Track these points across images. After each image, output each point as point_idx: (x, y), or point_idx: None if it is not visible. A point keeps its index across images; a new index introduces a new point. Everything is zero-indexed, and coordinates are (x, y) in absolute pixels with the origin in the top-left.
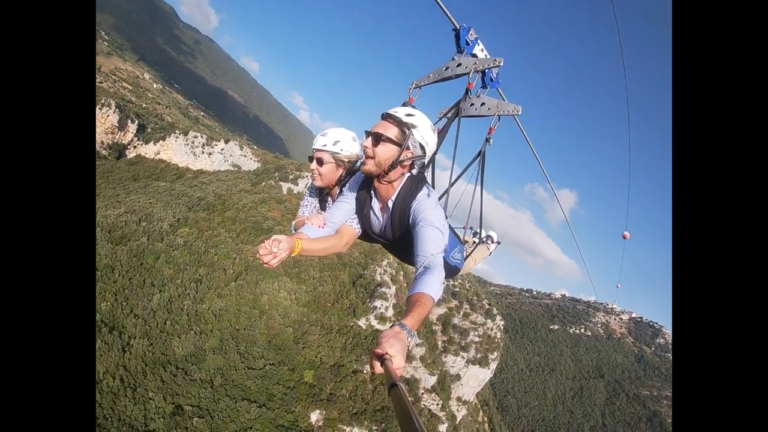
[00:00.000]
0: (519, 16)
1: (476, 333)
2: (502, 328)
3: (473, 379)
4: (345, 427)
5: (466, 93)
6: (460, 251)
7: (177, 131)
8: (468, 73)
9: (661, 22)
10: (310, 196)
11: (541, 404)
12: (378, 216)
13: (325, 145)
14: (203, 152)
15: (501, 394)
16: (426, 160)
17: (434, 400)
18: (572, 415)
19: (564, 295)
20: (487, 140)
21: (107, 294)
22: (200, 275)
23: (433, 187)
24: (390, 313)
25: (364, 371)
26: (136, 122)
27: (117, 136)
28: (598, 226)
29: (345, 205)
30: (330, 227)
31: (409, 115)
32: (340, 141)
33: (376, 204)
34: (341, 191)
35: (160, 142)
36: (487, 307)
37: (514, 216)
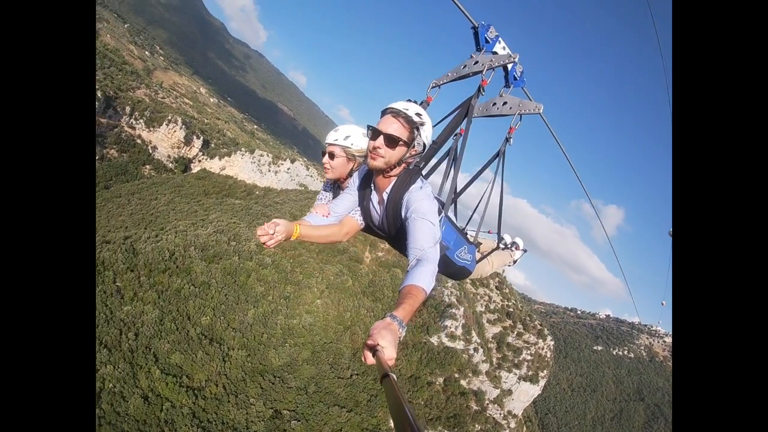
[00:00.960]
0: (568, 21)
1: (528, 352)
2: (552, 348)
3: (523, 395)
4: None
5: (479, 90)
6: (470, 252)
7: (243, 149)
8: (483, 71)
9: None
10: (324, 190)
11: (580, 424)
12: (376, 208)
13: (336, 140)
14: (269, 170)
15: (542, 412)
16: (422, 155)
17: (497, 410)
18: None
19: (609, 315)
20: (507, 139)
21: (207, 309)
22: (288, 292)
23: (447, 185)
24: (459, 332)
25: (437, 383)
26: (201, 138)
27: (183, 151)
28: (645, 244)
29: (349, 197)
30: (334, 217)
31: (419, 114)
32: (350, 136)
33: (375, 196)
34: (348, 184)
35: (225, 158)
36: (539, 327)
37: (559, 231)
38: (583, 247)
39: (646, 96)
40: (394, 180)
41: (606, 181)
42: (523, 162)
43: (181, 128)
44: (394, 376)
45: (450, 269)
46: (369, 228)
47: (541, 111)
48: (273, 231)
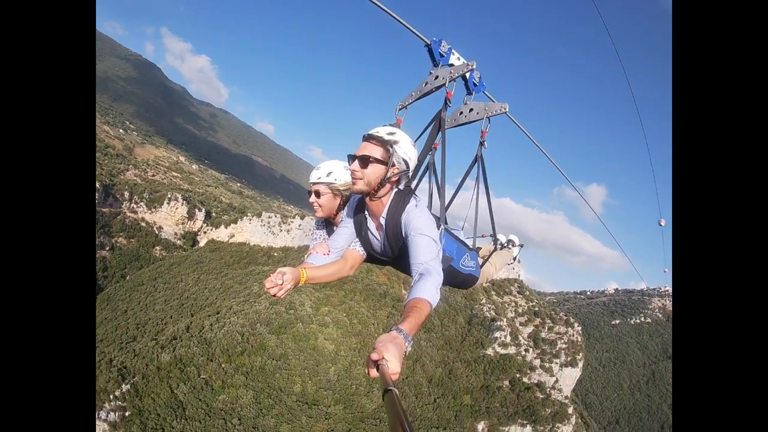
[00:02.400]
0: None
1: (562, 341)
2: (580, 332)
3: (568, 379)
4: (504, 428)
5: (446, 103)
6: (473, 258)
7: (250, 214)
8: (444, 84)
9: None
10: (317, 228)
11: (619, 395)
12: (375, 235)
13: (319, 178)
14: (281, 230)
15: (582, 394)
16: (410, 173)
17: (558, 393)
18: (650, 398)
19: (617, 289)
20: (482, 144)
21: (294, 377)
22: (356, 344)
23: (439, 195)
24: (508, 339)
25: (504, 385)
26: (203, 210)
27: (187, 226)
28: (633, 214)
29: (345, 230)
30: (335, 253)
31: (390, 133)
32: (332, 172)
33: (371, 224)
34: (341, 218)
35: (232, 225)
36: (564, 318)
37: (547, 219)
38: (573, 229)
39: (604, 69)
40: (387, 204)
41: (582, 162)
42: (498, 162)
43: (182, 204)
44: (397, 391)
45: (457, 279)
46: (370, 257)
47: (506, 110)
48: (281, 281)
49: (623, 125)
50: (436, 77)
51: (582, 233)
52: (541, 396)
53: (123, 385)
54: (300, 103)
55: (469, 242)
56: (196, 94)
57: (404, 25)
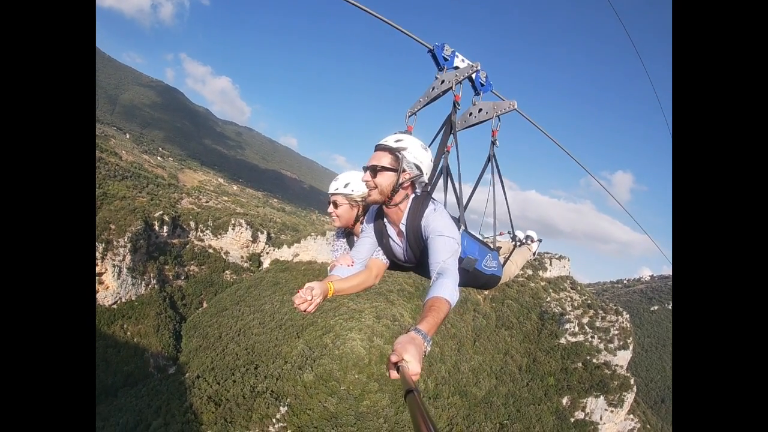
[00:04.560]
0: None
1: (614, 328)
2: (628, 319)
3: (622, 360)
4: (583, 399)
5: (455, 106)
6: (494, 258)
7: (313, 233)
8: (452, 87)
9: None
10: (338, 238)
11: (663, 377)
12: (397, 242)
13: (336, 189)
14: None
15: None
16: (425, 178)
17: (621, 369)
18: None
19: (652, 276)
20: (493, 143)
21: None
22: (455, 344)
23: (457, 201)
24: (576, 329)
25: (578, 366)
26: (265, 232)
27: (251, 248)
28: (664, 197)
29: (367, 240)
30: (359, 264)
31: (397, 140)
32: (350, 183)
33: (392, 231)
34: (362, 228)
35: (295, 244)
36: (614, 307)
37: (575, 209)
38: (602, 216)
39: (623, 55)
40: (406, 211)
41: (606, 151)
42: (519, 155)
43: (246, 229)
44: (419, 393)
45: (481, 280)
46: (393, 264)
47: (515, 107)
48: (310, 296)
49: (644, 111)
50: (443, 81)
51: (611, 220)
52: (608, 372)
53: (281, 407)
54: (320, 114)
55: (488, 242)
56: (219, 115)
57: (406, 33)
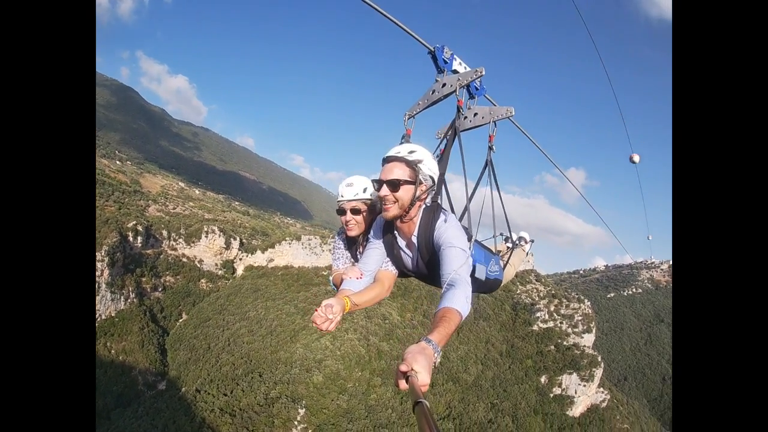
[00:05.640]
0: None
1: (578, 315)
2: (590, 306)
3: (588, 342)
4: (558, 377)
5: (459, 111)
6: (497, 263)
7: (288, 238)
8: (455, 91)
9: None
10: (342, 247)
11: (624, 357)
12: (407, 253)
13: (356, 195)
14: (323, 250)
15: None
16: (435, 188)
17: (588, 349)
18: (650, 357)
19: (607, 265)
20: (490, 148)
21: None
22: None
23: (452, 208)
24: (546, 316)
25: (551, 349)
26: (238, 238)
27: (224, 255)
28: (613, 192)
29: (375, 252)
30: (368, 276)
31: (411, 152)
32: (367, 187)
33: (402, 242)
34: (367, 238)
35: (269, 249)
36: (576, 296)
37: (529, 204)
38: (555, 210)
39: (579, 58)
40: (418, 223)
41: (558, 149)
42: (479, 154)
43: (219, 236)
44: (428, 403)
45: (485, 286)
46: (402, 273)
47: (513, 114)
48: (332, 315)
49: (597, 112)
50: (444, 85)
51: (564, 213)
52: (578, 352)
53: (300, 409)
54: (276, 113)
55: (490, 245)
56: (175, 115)
57: (410, 33)
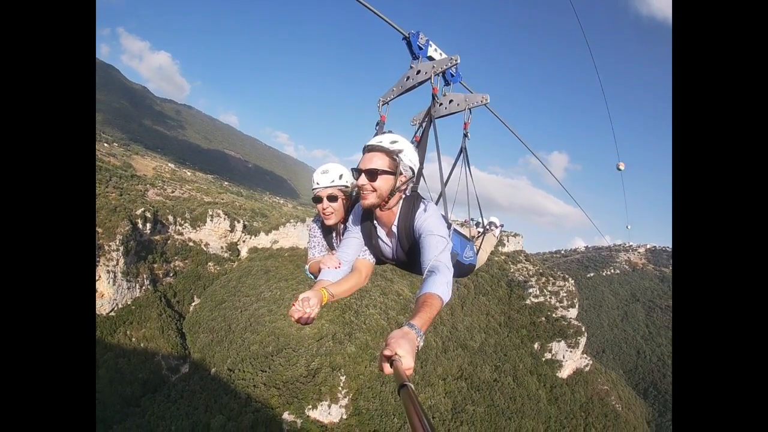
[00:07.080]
0: None
1: (563, 291)
2: (573, 284)
3: (572, 315)
4: (549, 344)
5: (434, 98)
6: (471, 248)
7: (293, 220)
8: (429, 79)
9: None
10: (318, 235)
11: (601, 332)
12: (387, 242)
13: (333, 181)
14: None
15: None
16: (415, 178)
17: (576, 322)
18: (626, 332)
19: (587, 246)
20: (465, 135)
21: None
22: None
23: (430, 196)
24: (538, 292)
25: (543, 320)
26: (242, 221)
27: (228, 238)
28: (594, 176)
29: (354, 241)
30: (345, 265)
31: (393, 142)
32: (344, 174)
33: (381, 232)
34: (345, 227)
35: (273, 231)
36: (561, 275)
37: (511, 184)
38: (538, 191)
39: (566, 45)
40: (398, 213)
41: (542, 132)
42: (453, 130)
43: (224, 219)
44: (412, 386)
45: (461, 271)
46: (379, 260)
47: (487, 101)
48: (309, 308)
49: (581, 98)
50: (419, 72)
51: (545, 194)
52: (565, 323)
53: (341, 377)
54: (260, 89)
55: (462, 231)
56: (157, 92)
57: (384, 19)
